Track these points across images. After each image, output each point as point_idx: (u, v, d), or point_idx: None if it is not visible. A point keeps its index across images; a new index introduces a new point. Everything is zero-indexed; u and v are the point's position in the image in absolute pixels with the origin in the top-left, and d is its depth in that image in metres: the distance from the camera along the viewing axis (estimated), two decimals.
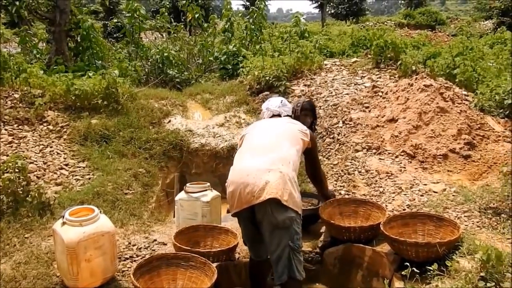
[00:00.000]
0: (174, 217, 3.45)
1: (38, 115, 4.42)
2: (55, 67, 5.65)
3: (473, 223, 2.82)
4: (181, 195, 3.21)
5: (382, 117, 4.37)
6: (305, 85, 5.66)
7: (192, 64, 8.25)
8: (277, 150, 2.39)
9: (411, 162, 3.75)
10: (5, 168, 3.25)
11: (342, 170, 3.86)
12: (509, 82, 4.45)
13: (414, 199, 3.22)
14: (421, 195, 3.26)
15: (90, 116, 4.65)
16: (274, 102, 2.83)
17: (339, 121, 4.63)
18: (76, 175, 3.83)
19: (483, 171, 3.57)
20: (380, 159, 3.86)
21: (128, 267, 2.67)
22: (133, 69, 6.59)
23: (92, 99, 4.79)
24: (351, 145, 4.15)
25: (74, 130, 4.37)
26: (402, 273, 2.26)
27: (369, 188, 3.51)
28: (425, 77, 4.54)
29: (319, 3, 25.47)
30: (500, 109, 4.32)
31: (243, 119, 5.18)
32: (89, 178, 3.81)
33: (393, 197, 3.31)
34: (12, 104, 4.48)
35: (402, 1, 29.99)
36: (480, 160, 3.67)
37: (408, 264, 2.20)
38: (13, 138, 4.01)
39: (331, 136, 4.48)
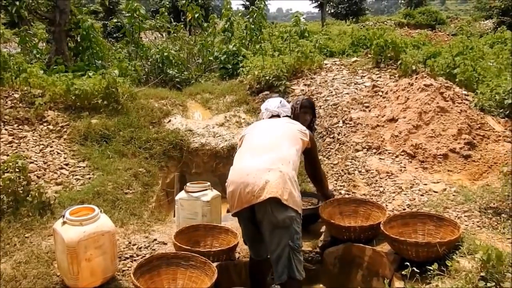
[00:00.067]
0: (174, 216, 3.46)
1: (38, 115, 4.42)
2: (55, 67, 5.65)
3: (473, 223, 2.82)
4: (182, 194, 3.22)
5: (382, 117, 4.37)
6: (305, 84, 5.66)
7: (192, 63, 8.25)
8: (277, 150, 2.39)
9: (411, 161, 3.75)
10: (6, 168, 3.25)
11: (342, 170, 3.86)
12: (509, 81, 4.45)
13: (414, 199, 3.22)
14: (421, 195, 3.26)
15: (90, 116, 4.65)
16: (273, 103, 2.83)
17: (339, 121, 4.63)
18: (76, 175, 3.83)
19: (483, 171, 3.57)
20: (380, 158, 3.86)
21: (128, 267, 2.68)
22: (133, 69, 6.59)
23: (92, 99, 4.79)
24: (351, 145, 4.15)
25: (74, 130, 4.37)
26: (402, 272, 2.26)
27: (369, 188, 3.51)
28: (425, 77, 4.54)
29: (319, 2, 25.44)
30: (501, 109, 4.32)
31: (243, 118, 5.18)
32: (89, 178, 3.82)
33: (393, 196, 3.31)
34: (12, 104, 4.48)
35: (402, 1, 29.98)
36: (480, 160, 3.67)
37: (408, 263, 2.20)
38: (13, 138, 4.02)
39: (331, 136, 4.48)
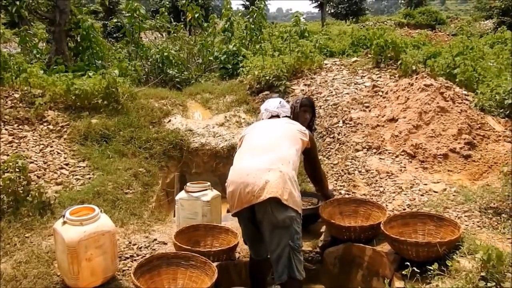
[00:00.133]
0: (174, 216, 3.46)
1: (38, 115, 4.42)
2: (55, 67, 5.64)
3: (473, 223, 2.82)
4: (182, 194, 3.22)
5: (382, 117, 4.37)
6: (305, 84, 5.66)
7: (192, 63, 8.25)
8: (277, 150, 2.39)
9: (411, 161, 3.75)
10: (6, 168, 3.25)
11: (342, 170, 3.86)
12: (510, 81, 4.45)
13: (415, 199, 3.22)
14: (422, 195, 3.26)
15: (90, 115, 4.65)
16: (272, 103, 2.83)
17: (339, 121, 4.63)
18: (76, 175, 3.83)
19: (483, 171, 3.57)
20: (380, 158, 3.86)
21: (129, 267, 2.68)
22: (133, 68, 6.59)
23: (92, 99, 4.79)
24: (351, 145, 4.15)
25: (74, 130, 4.37)
26: (403, 272, 2.26)
27: (369, 188, 3.51)
28: (426, 77, 4.54)
29: (318, 2, 25.43)
30: (501, 109, 4.32)
31: (243, 118, 5.18)
32: (89, 178, 3.82)
33: (394, 196, 3.31)
34: (13, 104, 4.48)
35: (402, 1, 29.97)
36: (480, 160, 3.67)
37: (408, 263, 2.20)
38: (13, 138, 4.02)
39: (331, 136, 4.48)
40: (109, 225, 2.45)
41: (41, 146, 4.05)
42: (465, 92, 4.73)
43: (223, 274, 2.59)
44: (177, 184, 4.12)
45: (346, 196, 3.44)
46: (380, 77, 5.48)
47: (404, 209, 3.09)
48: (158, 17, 8.72)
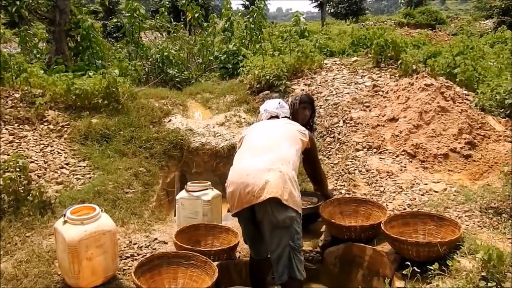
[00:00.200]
0: (174, 216, 3.46)
1: (39, 115, 4.42)
2: (55, 66, 5.64)
3: (474, 223, 2.82)
4: (182, 194, 3.22)
5: (383, 117, 4.37)
6: (305, 84, 5.66)
7: (192, 63, 8.25)
8: (277, 150, 2.39)
9: (411, 161, 3.75)
10: (6, 167, 3.25)
11: (342, 170, 3.86)
12: (510, 81, 4.45)
13: (415, 199, 3.22)
14: (422, 195, 3.26)
15: (90, 115, 4.65)
16: (271, 104, 2.82)
17: (339, 120, 4.63)
18: (76, 174, 3.83)
19: (484, 170, 3.57)
20: (380, 158, 3.86)
21: (129, 266, 2.68)
22: (133, 68, 6.59)
23: (92, 99, 4.79)
24: (352, 145, 4.15)
25: (75, 130, 4.37)
26: (403, 272, 2.26)
27: (369, 188, 3.51)
28: (426, 77, 4.54)
29: (318, 2, 25.42)
30: (501, 109, 4.32)
31: (244, 118, 5.18)
32: (90, 177, 3.82)
33: (394, 196, 3.31)
34: (13, 104, 4.48)
35: (402, 0, 29.99)
36: (481, 160, 3.67)
37: (409, 263, 2.20)
38: (14, 138, 4.02)
39: (332, 136, 4.48)
40: (110, 224, 2.45)
41: (42, 145, 4.05)
42: (466, 92, 4.73)
43: (224, 273, 2.59)
44: (177, 183, 4.12)
45: (347, 195, 3.44)
46: (380, 76, 5.48)
47: (405, 209, 3.09)
48: (158, 17, 8.72)
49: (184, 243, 2.69)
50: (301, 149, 2.57)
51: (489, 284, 1.95)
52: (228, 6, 9.01)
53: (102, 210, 2.50)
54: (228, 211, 2.53)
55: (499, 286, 1.95)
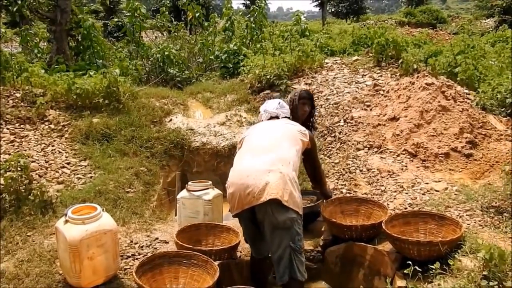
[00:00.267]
0: (175, 215, 3.46)
1: (40, 114, 4.43)
2: (56, 66, 5.64)
3: (475, 222, 2.82)
4: (183, 193, 3.22)
5: (384, 116, 4.37)
6: (306, 83, 5.65)
7: (193, 63, 8.24)
8: (277, 151, 2.39)
9: (412, 160, 3.75)
10: (7, 167, 3.26)
11: (343, 169, 3.86)
12: (511, 80, 4.44)
13: (416, 198, 3.22)
14: (423, 194, 3.26)
15: (91, 115, 4.66)
16: (271, 104, 2.82)
17: (340, 120, 4.62)
18: (77, 174, 3.84)
19: (485, 169, 3.56)
20: (381, 157, 3.86)
21: (130, 265, 2.68)
22: (134, 68, 6.59)
23: (93, 98, 4.79)
24: (353, 144, 4.15)
25: (76, 129, 4.37)
26: (404, 271, 2.26)
27: (370, 187, 3.51)
28: (427, 76, 4.53)
29: (319, 1, 25.40)
30: (502, 108, 4.31)
31: (244, 117, 5.18)
32: (91, 177, 3.82)
33: (395, 195, 3.31)
34: (14, 103, 4.48)
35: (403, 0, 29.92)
36: (482, 159, 3.67)
37: (410, 262, 2.20)
38: (15, 137, 4.02)
39: (332, 135, 4.47)
40: (111, 224, 2.45)
41: (43, 145, 4.06)
42: (467, 91, 4.72)
43: (225, 272, 2.59)
44: (178, 183, 4.13)
45: (348, 195, 3.44)
46: (381, 76, 5.48)
47: (406, 208, 3.09)
48: (159, 17, 8.72)
49: (185, 243, 2.69)
50: (302, 149, 2.57)
51: (491, 283, 1.95)
52: (229, 5, 9.01)
53: (103, 210, 2.50)
54: (229, 211, 2.53)
55: (500, 285, 1.95)
